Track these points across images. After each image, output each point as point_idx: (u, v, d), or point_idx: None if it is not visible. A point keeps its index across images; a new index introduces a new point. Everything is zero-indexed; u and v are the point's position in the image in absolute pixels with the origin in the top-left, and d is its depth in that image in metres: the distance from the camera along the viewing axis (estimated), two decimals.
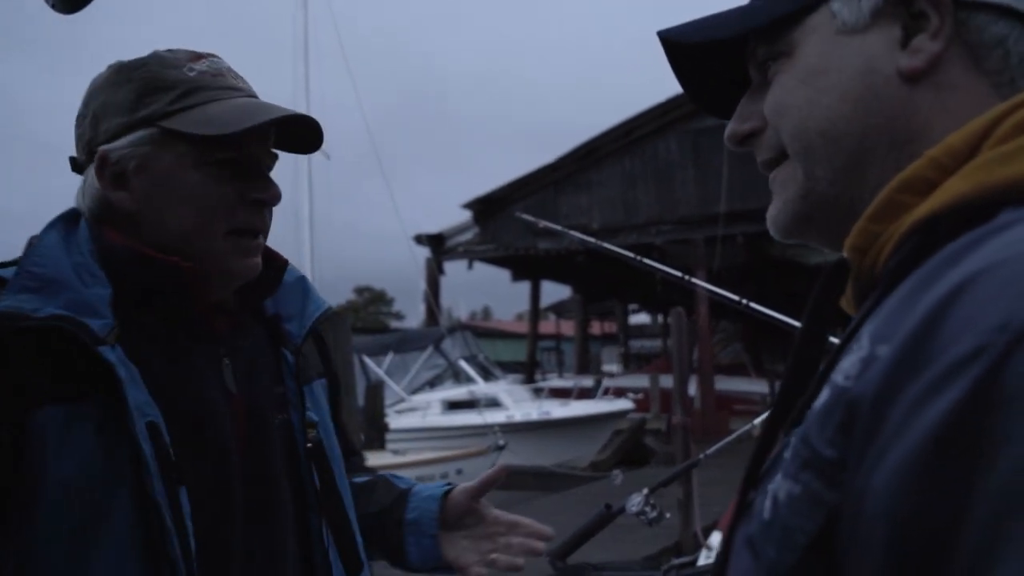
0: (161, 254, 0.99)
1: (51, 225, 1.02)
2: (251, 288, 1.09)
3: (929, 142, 0.52)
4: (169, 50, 1.05)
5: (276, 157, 1.09)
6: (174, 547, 0.90)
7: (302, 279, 1.20)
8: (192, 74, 1.01)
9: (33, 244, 0.99)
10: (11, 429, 0.87)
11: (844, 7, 0.58)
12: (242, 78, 1.08)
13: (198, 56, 1.04)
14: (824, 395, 0.46)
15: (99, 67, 1.06)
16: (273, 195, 1.06)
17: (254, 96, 1.07)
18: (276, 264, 1.13)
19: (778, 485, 0.48)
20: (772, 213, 0.64)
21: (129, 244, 1.00)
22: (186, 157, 0.99)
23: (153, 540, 0.90)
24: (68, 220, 1.04)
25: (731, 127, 0.66)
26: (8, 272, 0.95)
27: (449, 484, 1.27)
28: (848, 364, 0.45)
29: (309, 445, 1.10)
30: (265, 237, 1.08)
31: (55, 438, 0.88)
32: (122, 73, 1.02)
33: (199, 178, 0.99)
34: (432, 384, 14.49)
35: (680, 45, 0.66)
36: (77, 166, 1.06)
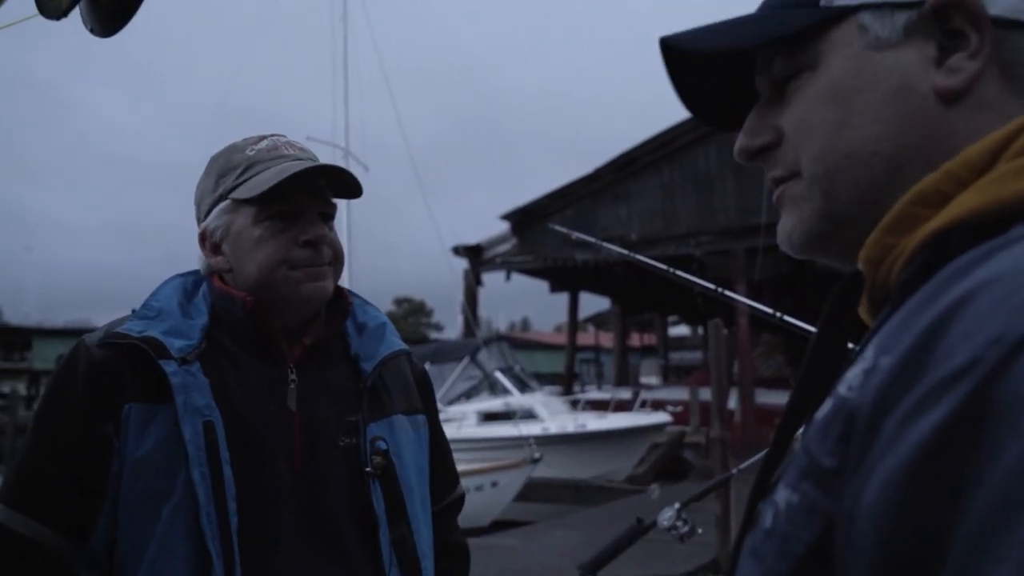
0: (235, 290, 1.26)
1: (177, 275, 1.33)
2: (323, 323, 1.33)
3: None
4: (243, 139, 1.32)
5: (333, 205, 1.32)
6: (210, 523, 1.11)
7: (383, 325, 1.40)
8: (252, 153, 1.28)
9: (158, 287, 1.30)
10: (113, 418, 1.15)
11: (876, 21, 0.55)
12: (296, 146, 1.32)
13: (261, 137, 1.32)
14: (827, 405, 0.46)
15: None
16: (319, 236, 1.27)
17: (301, 159, 1.29)
18: (343, 303, 1.35)
19: (780, 494, 0.48)
20: (786, 230, 0.61)
21: (219, 286, 1.29)
22: (249, 217, 1.25)
23: (196, 516, 1.11)
24: (199, 272, 1.34)
25: (741, 142, 0.63)
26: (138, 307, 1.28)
27: None
28: (852, 375, 0.44)
29: (368, 469, 1.26)
30: (332, 264, 1.29)
31: (136, 428, 1.15)
32: (209, 164, 1.32)
33: (260, 232, 1.25)
34: (468, 395, 14.47)
35: (688, 52, 0.61)
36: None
